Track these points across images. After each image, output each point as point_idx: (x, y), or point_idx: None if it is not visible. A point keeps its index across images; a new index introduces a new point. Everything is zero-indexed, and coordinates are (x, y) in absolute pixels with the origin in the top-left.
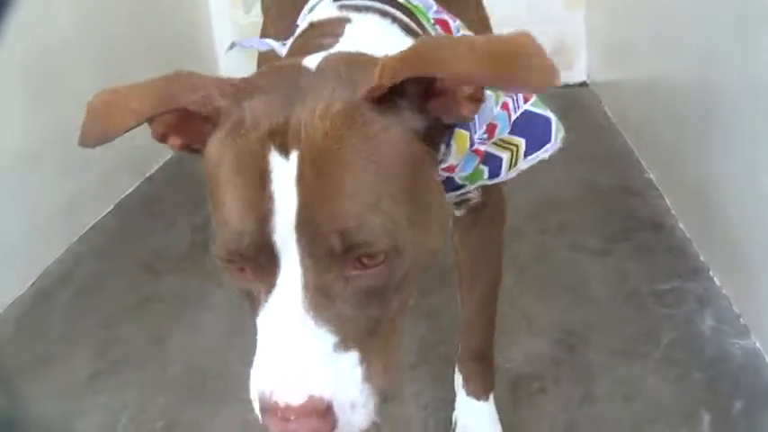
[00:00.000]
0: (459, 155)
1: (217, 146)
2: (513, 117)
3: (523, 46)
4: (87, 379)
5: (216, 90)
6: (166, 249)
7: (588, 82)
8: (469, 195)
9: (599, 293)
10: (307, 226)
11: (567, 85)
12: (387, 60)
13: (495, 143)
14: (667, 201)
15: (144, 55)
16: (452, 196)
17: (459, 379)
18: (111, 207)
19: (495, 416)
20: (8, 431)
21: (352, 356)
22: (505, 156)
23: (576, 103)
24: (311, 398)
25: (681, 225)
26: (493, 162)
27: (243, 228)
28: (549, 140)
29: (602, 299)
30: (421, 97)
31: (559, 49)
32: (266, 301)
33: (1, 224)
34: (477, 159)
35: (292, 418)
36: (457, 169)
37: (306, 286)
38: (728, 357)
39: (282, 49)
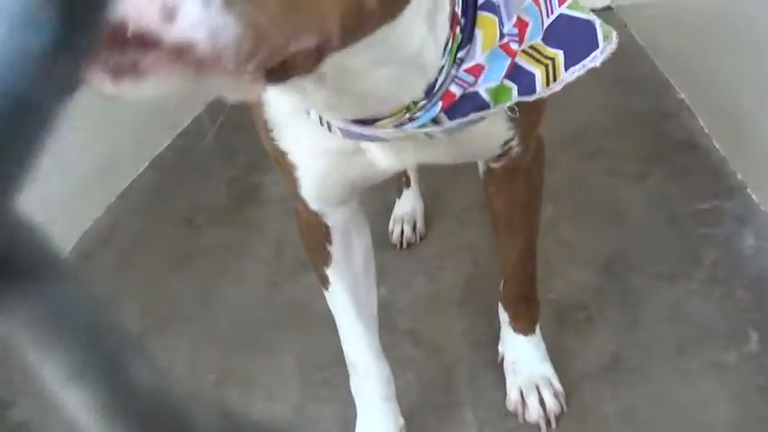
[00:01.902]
0: (486, 49)
1: None
2: (546, 22)
3: None
4: (136, 337)
5: None
6: (205, 202)
7: (612, 6)
8: (511, 144)
9: (638, 218)
10: None
11: (591, 10)
12: None
13: (525, 52)
14: (701, 121)
15: None
16: (476, 117)
17: (504, 316)
18: (147, 164)
19: (543, 349)
20: None
21: None
22: (539, 72)
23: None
24: None
25: (716, 144)
26: (523, 78)
27: None
28: (594, 47)
29: (642, 223)
30: None
31: None
32: None
33: (39, 187)
34: (508, 62)
35: None
36: (483, 75)
37: None
38: None
39: None
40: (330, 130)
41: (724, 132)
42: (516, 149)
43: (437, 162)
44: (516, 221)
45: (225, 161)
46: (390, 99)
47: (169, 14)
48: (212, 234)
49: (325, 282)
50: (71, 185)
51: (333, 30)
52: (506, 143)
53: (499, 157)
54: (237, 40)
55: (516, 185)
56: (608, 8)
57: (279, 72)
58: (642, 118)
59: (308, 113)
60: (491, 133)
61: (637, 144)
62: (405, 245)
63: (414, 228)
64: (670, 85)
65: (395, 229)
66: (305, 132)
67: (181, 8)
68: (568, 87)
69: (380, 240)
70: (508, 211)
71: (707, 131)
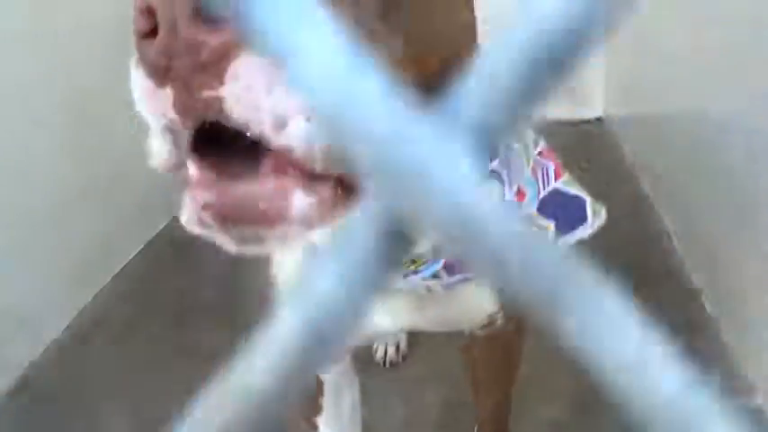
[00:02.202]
0: None
1: None
2: (542, 194)
3: None
4: None
5: None
6: (194, 298)
7: (604, 117)
8: (496, 317)
9: None
10: None
11: (583, 121)
12: None
13: None
14: (680, 252)
15: None
16: (472, 275)
17: None
18: (141, 247)
19: None
20: None
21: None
22: None
23: (591, 140)
24: None
25: (693, 279)
26: None
27: None
28: (584, 220)
29: None
30: None
31: (577, 84)
32: None
33: (35, 269)
34: None
35: None
36: None
37: None
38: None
39: None
40: None
41: (701, 266)
42: (500, 321)
43: (426, 329)
44: (493, 379)
45: (214, 256)
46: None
47: (280, 125)
48: (201, 333)
49: (313, 429)
50: (65, 266)
51: None
52: (492, 315)
53: (483, 326)
54: (326, 148)
55: (496, 351)
56: (599, 119)
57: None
58: (622, 244)
59: None
60: (479, 305)
61: (615, 272)
62: (388, 364)
63: (397, 348)
64: (654, 210)
65: (379, 348)
66: None
67: (289, 121)
68: None
69: (364, 358)
70: (486, 371)
71: (685, 264)
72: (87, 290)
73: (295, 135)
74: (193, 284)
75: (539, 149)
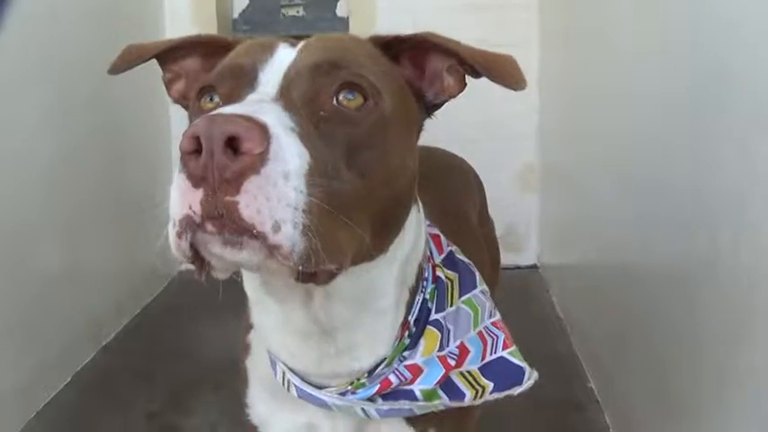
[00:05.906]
0: (425, 355)
1: None
2: (488, 358)
3: (509, 58)
4: None
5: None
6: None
7: (538, 265)
8: None
9: None
10: (299, 63)
11: (517, 267)
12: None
13: (462, 374)
14: (606, 417)
15: (110, 235)
16: (406, 406)
17: None
18: (69, 379)
19: None
20: None
21: (304, 153)
22: (469, 393)
23: (525, 290)
24: (252, 117)
25: None
26: (454, 393)
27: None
28: (519, 383)
29: None
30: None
31: (512, 231)
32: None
33: None
34: (442, 372)
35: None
36: (420, 377)
37: (283, 89)
38: None
39: None
40: (289, 389)
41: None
42: None
43: None
44: None
45: (146, 393)
46: (350, 348)
47: (275, 228)
48: None
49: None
50: None
51: (348, 260)
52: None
53: None
54: (302, 251)
55: None
56: (534, 266)
57: (307, 277)
58: (550, 406)
59: (275, 373)
60: None
61: None
62: None
63: None
64: (582, 370)
65: None
66: (272, 411)
67: (282, 226)
68: None
69: None
70: None
71: (611, 430)
72: (11, 427)
73: (284, 237)
74: (122, 426)
75: (493, 320)
